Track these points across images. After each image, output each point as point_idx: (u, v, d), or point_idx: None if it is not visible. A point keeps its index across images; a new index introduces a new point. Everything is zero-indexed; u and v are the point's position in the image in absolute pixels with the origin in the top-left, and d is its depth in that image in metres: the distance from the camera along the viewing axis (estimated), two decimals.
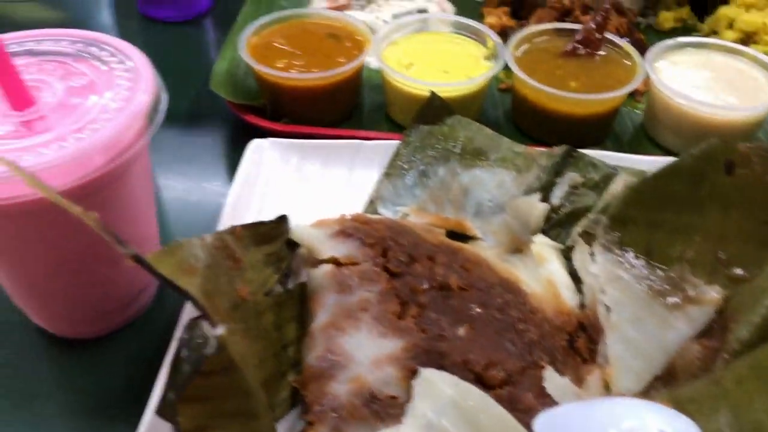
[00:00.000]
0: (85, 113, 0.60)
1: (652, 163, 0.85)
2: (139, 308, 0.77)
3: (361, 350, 0.65)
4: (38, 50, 0.67)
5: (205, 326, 0.51)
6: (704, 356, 0.65)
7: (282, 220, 0.76)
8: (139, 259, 0.47)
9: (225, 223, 0.78)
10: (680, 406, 0.58)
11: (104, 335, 0.75)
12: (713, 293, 0.68)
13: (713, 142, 0.68)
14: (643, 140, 1.03)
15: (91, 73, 0.65)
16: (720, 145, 0.68)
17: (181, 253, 0.54)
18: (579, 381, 0.67)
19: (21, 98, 0.60)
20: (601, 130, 1.01)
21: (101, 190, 0.61)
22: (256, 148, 0.89)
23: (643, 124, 1.05)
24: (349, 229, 0.76)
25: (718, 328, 0.66)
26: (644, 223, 0.72)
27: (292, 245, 0.78)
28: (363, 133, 0.98)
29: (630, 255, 0.72)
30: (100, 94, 0.62)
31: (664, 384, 0.66)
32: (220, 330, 0.47)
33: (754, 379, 0.56)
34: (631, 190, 0.73)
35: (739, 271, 0.68)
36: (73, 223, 0.60)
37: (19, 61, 0.63)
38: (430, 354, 0.65)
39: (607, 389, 0.67)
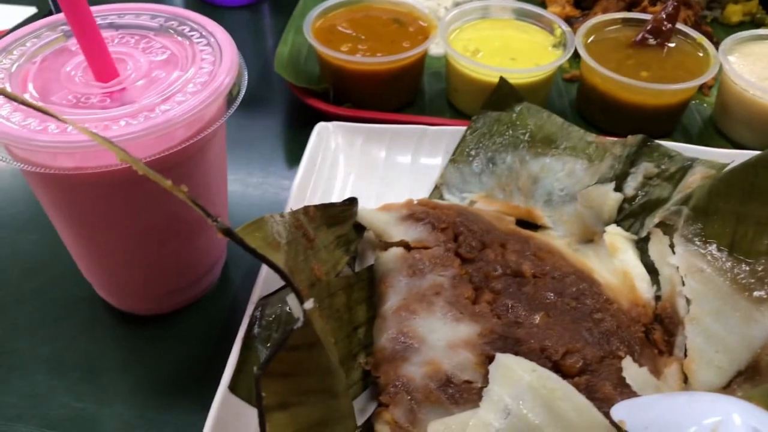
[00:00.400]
0: (168, 86, 0.60)
1: (728, 156, 0.82)
2: (206, 287, 0.77)
3: (435, 334, 0.64)
4: (120, 23, 0.67)
5: (292, 300, 0.51)
6: None
7: (352, 202, 0.75)
8: (229, 233, 0.47)
9: (292, 205, 0.77)
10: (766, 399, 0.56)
11: (169, 312, 0.75)
12: None
13: None
14: (712, 134, 1.00)
15: (173, 47, 0.65)
16: None
17: (267, 228, 0.54)
18: (657, 373, 0.65)
19: (106, 70, 0.60)
20: (670, 121, 0.98)
21: (181, 164, 0.61)
22: (322, 131, 0.88)
23: (713, 118, 1.02)
24: (418, 213, 0.75)
25: None
26: (729, 214, 0.70)
27: (359, 229, 0.77)
28: (427, 118, 0.97)
29: (713, 247, 0.70)
30: (183, 69, 0.62)
31: (748, 380, 0.64)
32: (309, 304, 0.46)
33: None
34: (717, 180, 0.70)
35: None
36: (155, 195, 0.61)
37: (102, 34, 0.63)
38: (507, 340, 0.64)
39: (686, 383, 0.65)
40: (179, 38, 0.66)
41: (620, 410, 0.57)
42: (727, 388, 0.64)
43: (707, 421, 0.51)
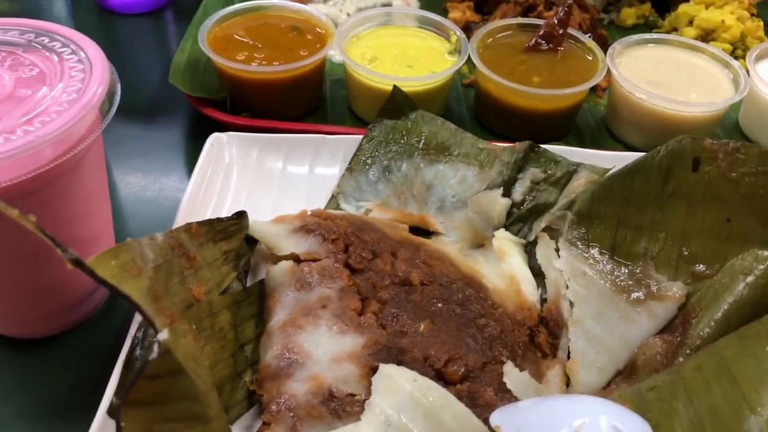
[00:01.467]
0: (35, 105, 0.58)
1: (614, 158, 0.85)
2: (94, 305, 0.75)
3: (320, 348, 0.64)
4: None
5: (150, 330, 0.50)
6: (666, 351, 0.66)
7: (241, 216, 0.74)
8: (78, 263, 0.45)
9: (182, 219, 0.76)
10: (640, 394, 0.59)
11: (58, 334, 0.73)
12: (676, 289, 0.68)
13: (684, 140, 0.68)
14: (605, 136, 1.03)
15: (41, 64, 0.63)
16: (690, 142, 0.68)
17: (127, 255, 0.52)
18: (539, 376, 0.67)
19: None
20: (563, 125, 1.01)
21: (52, 183, 0.60)
22: (215, 142, 0.87)
23: (605, 120, 1.06)
24: (310, 225, 0.75)
25: (680, 324, 0.67)
26: (610, 219, 0.72)
27: (252, 242, 0.76)
28: (327, 127, 0.97)
29: (595, 251, 0.72)
30: (51, 86, 0.60)
31: (626, 379, 0.66)
32: (164, 335, 0.46)
33: (712, 366, 0.56)
34: (599, 186, 0.73)
35: (701, 268, 0.69)
36: (16, 222, 0.59)
37: None
38: (391, 350, 0.64)
39: (568, 385, 0.67)
40: (48, 54, 0.64)
41: (498, 416, 0.58)
42: (606, 388, 0.66)
43: (576, 423, 0.53)
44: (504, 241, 0.79)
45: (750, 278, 0.64)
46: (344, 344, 0.64)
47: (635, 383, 0.65)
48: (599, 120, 1.06)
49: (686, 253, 0.69)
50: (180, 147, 1.00)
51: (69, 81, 0.61)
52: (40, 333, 0.73)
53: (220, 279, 0.68)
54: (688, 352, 0.63)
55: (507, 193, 0.82)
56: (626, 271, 0.71)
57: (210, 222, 0.70)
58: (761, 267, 0.64)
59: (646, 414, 0.55)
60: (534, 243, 0.79)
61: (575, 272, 0.72)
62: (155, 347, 0.45)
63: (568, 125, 1.02)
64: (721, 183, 0.66)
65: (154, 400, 0.47)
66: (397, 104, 0.91)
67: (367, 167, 0.87)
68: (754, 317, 0.62)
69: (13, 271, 0.64)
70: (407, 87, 0.92)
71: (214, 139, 0.87)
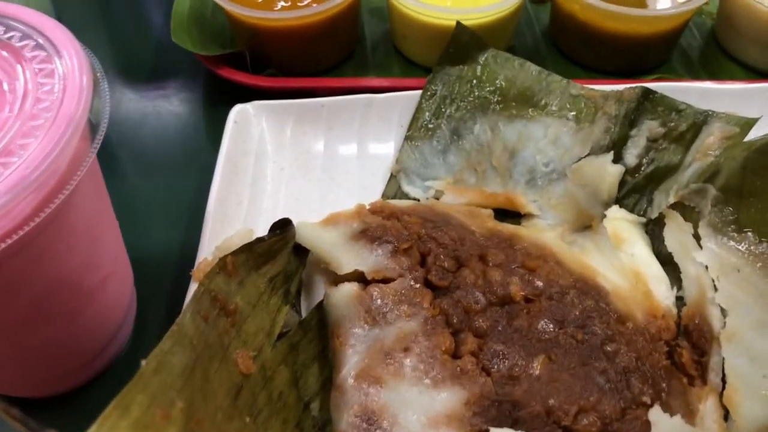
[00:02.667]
0: None
1: (750, 93, 0.67)
2: (110, 359, 0.60)
3: (409, 408, 0.49)
4: None
5: None
6: None
7: (284, 227, 0.58)
8: None
9: (209, 230, 0.60)
10: None
11: (71, 391, 0.59)
12: None
13: None
14: (717, 55, 0.83)
15: None
16: None
17: (143, 399, 0.35)
18: (691, 414, 0.52)
19: None
20: (666, 49, 0.81)
21: (31, 242, 0.44)
22: (239, 116, 0.69)
23: (715, 34, 0.85)
24: (373, 229, 0.59)
25: None
26: None
27: (300, 250, 0.61)
28: (373, 80, 0.78)
29: (751, 239, 0.55)
30: (11, 106, 0.43)
31: None
32: None
33: None
34: (754, 151, 0.55)
35: None
36: (11, 285, 0.44)
37: None
38: (502, 405, 0.50)
39: (728, 418, 0.52)
40: (5, 54, 0.46)
41: None
42: None
43: None
44: (620, 222, 0.62)
45: None
46: (440, 402, 0.49)
47: None
48: (706, 34, 0.85)
49: None
50: (198, 123, 0.81)
51: (37, 94, 0.44)
52: (48, 393, 0.59)
53: (270, 322, 0.53)
54: None
55: (618, 157, 0.64)
56: None
57: (249, 247, 0.54)
58: None
59: None
60: (657, 221, 0.62)
61: (726, 268, 0.55)
62: None
63: (672, 48, 0.81)
64: None
65: None
66: (462, 45, 0.71)
67: (431, 132, 0.70)
68: None
69: (13, 335, 0.50)
70: (471, 20, 0.72)
71: (238, 113, 0.69)
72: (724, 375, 0.53)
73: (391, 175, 0.69)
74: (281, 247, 0.58)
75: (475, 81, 0.71)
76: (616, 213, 0.63)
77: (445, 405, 0.49)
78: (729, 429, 0.52)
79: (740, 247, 0.55)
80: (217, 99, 0.80)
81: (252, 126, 0.70)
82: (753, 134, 0.60)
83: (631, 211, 0.64)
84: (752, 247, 0.55)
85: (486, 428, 0.48)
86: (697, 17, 0.87)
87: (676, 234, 0.59)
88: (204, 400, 0.39)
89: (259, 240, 0.55)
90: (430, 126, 0.70)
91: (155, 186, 0.75)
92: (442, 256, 0.57)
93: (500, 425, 0.48)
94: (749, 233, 0.56)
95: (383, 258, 0.57)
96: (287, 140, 0.71)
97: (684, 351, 0.55)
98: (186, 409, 0.36)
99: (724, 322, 0.54)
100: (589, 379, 0.51)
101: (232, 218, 0.64)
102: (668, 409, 0.51)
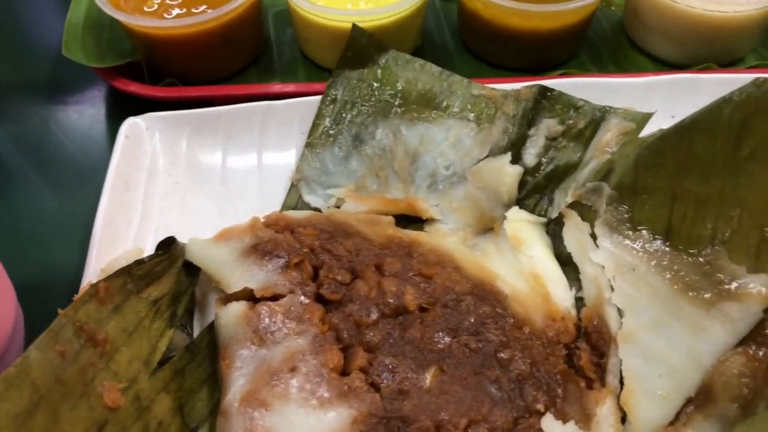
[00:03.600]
0: None
1: (654, 85, 0.67)
2: None
3: (295, 431, 0.47)
4: None
5: None
6: (752, 371, 0.50)
7: (168, 246, 0.56)
8: None
9: (96, 253, 0.58)
10: None
11: None
12: (759, 285, 0.50)
13: (762, 83, 0.48)
14: (626, 48, 0.83)
15: None
16: None
17: None
18: (587, 418, 0.51)
19: None
20: (573, 43, 0.80)
21: None
22: (130, 131, 0.67)
23: (624, 26, 0.84)
24: (265, 243, 0.57)
25: None
26: (663, 192, 0.54)
27: (193, 268, 0.58)
28: (275, 86, 0.76)
29: (645, 236, 0.54)
30: None
31: (699, 409, 0.51)
32: None
33: None
34: (646, 149, 0.54)
35: None
36: None
37: None
38: (390, 423, 0.48)
39: (624, 421, 0.51)
40: None
41: None
42: (674, 423, 0.51)
43: None
44: (520, 224, 0.61)
45: None
46: (327, 422, 0.48)
47: (712, 415, 0.50)
48: (616, 27, 0.85)
49: None
50: (97, 136, 0.78)
51: None
52: None
53: (150, 349, 0.51)
54: None
55: (517, 158, 0.63)
56: (688, 261, 0.53)
57: (127, 270, 0.52)
58: None
59: None
60: (558, 221, 0.61)
61: (622, 268, 0.54)
62: None
63: (580, 42, 0.81)
64: None
65: None
66: (360, 48, 0.70)
67: (332, 139, 0.68)
68: None
69: None
70: (370, 22, 0.70)
71: (129, 127, 0.67)
72: (621, 377, 0.52)
73: (292, 185, 0.67)
74: (167, 267, 0.55)
75: (375, 84, 0.69)
76: (515, 214, 0.62)
77: (331, 425, 0.47)
78: (626, 430, 0.51)
79: (635, 246, 0.55)
80: (119, 111, 0.77)
81: (144, 139, 0.67)
82: (661, 125, 0.59)
83: (532, 211, 0.63)
84: (646, 245, 0.55)
85: None
86: (606, 9, 0.87)
87: (575, 234, 0.59)
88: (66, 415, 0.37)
89: (139, 262, 0.53)
90: (331, 132, 0.68)
91: (51, 204, 0.72)
92: (335, 269, 0.56)
93: None
94: (644, 231, 0.55)
95: (273, 274, 0.55)
96: (183, 152, 0.68)
97: (583, 353, 0.55)
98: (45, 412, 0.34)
99: (621, 323, 0.53)
100: (480, 389, 0.50)
101: (121, 238, 0.61)
102: (562, 415, 0.51)
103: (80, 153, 0.76)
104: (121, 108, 0.77)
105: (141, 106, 0.70)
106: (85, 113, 0.79)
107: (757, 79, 0.49)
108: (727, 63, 0.78)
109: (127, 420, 0.45)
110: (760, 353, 0.50)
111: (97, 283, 0.48)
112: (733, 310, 0.51)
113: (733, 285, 0.52)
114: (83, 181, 0.73)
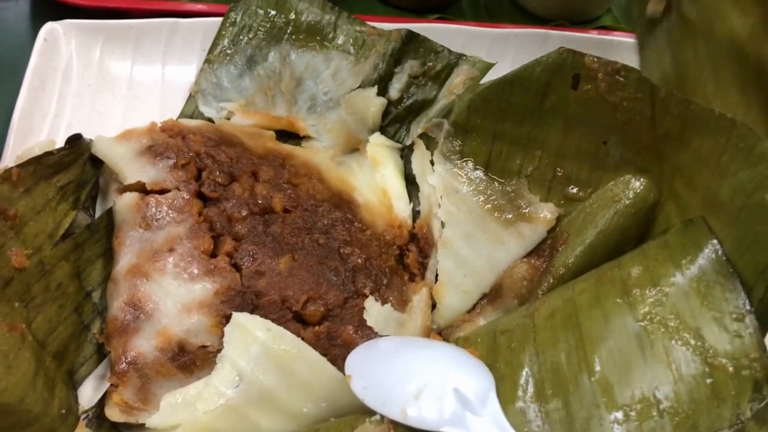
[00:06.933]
0: None
1: (507, 36, 0.78)
2: None
3: (169, 298, 0.60)
4: None
5: None
6: (531, 277, 0.64)
7: (75, 141, 0.66)
8: None
9: (12, 142, 0.67)
10: (493, 336, 0.57)
11: None
12: (546, 212, 0.64)
13: (566, 54, 0.60)
14: (503, 1, 0.93)
15: None
16: (571, 56, 0.60)
17: None
18: (404, 303, 0.65)
19: None
20: None
21: None
22: (49, 35, 0.74)
23: None
24: (158, 145, 0.67)
25: (548, 249, 0.65)
26: (486, 132, 0.66)
27: (98, 162, 0.69)
28: (187, 5, 0.84)
29: (469, 166, 0.67)
30: None
31: (491, 302, 0.65)
32: None
33: (564, 315, 0.54)
34: (476, 96, 0.65)
35: (574, 190, 0.65)
36: None
37: None
38: (245, 295, 0.61)
39: (435, 308, 0.66)
40: None
41: (354, 360, 0.57)
42: (471, 312, 0.66)
43: (418, 387, 0.51)
44: (379, 147, 0.74)
45: (619, 206, 0.61)
46: (194, 292, 0.60)
47: (499, 307, 0.65)
48: None
49: (560, 173, 0.65)
50: (20, 38, 0.85)
51: None
52: None
53: (54, 225, 0.61)
54: (551, 280, 0.62)
55: (383, 91, 0.75)
56: (499, 188, 0.67)
57: (38, 159, 0.62)
58: (631, 195, 0.61)
59: (494, 364, 0.54)
60: (410, 148, 0.74)
61: (448, 189, 0.67)
62: None
63: None
64: (599, 104, 0.60)
65: None
66: None
67: (229, 58, 0.78)
68: (618, 249, 0.60)
69: None
70: None
71: (48, 31, 0.75)
72: (437, 274, 0.67)
73: (190, 95, 0.77)
74: (74, 159, 0.65)
75: (272, 12, 0.78)
76: (377, 139, 0.74)
77: (198, 295, 0.60)
78: (433, 316, 0.66)
79: (461, 173, 0.68)
80: (44, 12, 0.83)
81: (61, 44, 0.75)
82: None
83: (392, 138, 0.75)
84: (469, 173, 0.68)
85: (230, 313, 0.59)
86: None
87: (419, 159, 0.71)
88: None
89: (48, 153, 0.63)
90: (229, 52, 0.78)
91: None
92: (216, 172, 0.67)
93: (242, 311, 0.60)
94: (469, 162, 0.68)
95: (163, 171, 0.66)
96: (95, 59, 0.77)
97: (411, 254, 0.69)
98: None
99: (442, 232, 0.67)
100: (321, 275, 0.63)
101: (36, 130, 0.71)
102: (383, 299, 0.64)
103: (2, 49, 0.83)
104: (46, 9, 0.84)
105: (63, 10, 0.77)
106: (9, 11, 0.86)
107: (561, 48, 0.61)
108: (586, 20, 0.90)
109: (31, 279, 0.56)
110: (538, 263, 0.65)
111: (11, 168, 0.59)
112: (526, 230, 0.66)
113: (528, 210, 0.66)
114: (4, 75, 0.80)
